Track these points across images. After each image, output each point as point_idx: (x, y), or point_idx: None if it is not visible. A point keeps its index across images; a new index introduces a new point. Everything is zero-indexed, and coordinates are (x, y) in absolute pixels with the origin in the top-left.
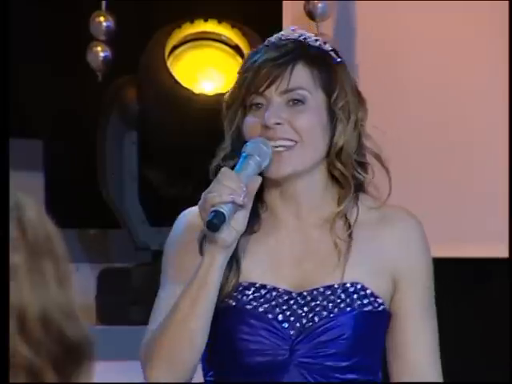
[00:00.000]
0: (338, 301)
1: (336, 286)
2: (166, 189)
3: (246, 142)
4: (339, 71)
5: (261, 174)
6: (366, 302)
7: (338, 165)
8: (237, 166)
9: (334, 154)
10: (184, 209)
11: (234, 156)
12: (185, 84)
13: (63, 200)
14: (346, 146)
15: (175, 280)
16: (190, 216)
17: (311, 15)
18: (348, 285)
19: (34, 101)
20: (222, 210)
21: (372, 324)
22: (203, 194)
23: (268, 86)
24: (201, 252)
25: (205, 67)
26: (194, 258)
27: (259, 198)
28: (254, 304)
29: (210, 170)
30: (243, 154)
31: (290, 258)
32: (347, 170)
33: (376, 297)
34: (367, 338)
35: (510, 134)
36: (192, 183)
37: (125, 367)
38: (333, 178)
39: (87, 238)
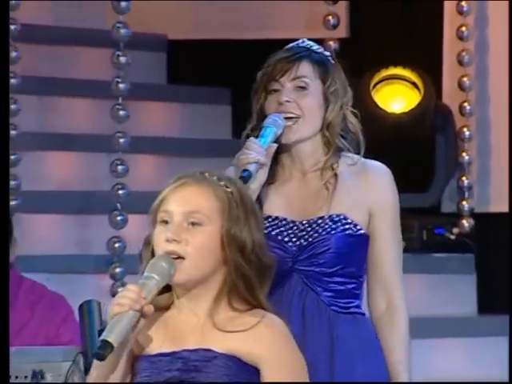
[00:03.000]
0: (326, 226)
1: (326, 217)
2: None
3: (267, 116)
4: (332, 68)
5: (277, 141)
6: (347, 227)
7: (327, 134)
8: (260, 136)
9: (325, 126)
10: None
11: (258, 127)
12: (382, 106)
13: None
14: (333, 121)
15: None
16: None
17: (462, 63)
18: (334, 216)
19: None
20: (249, 168)
21: (351, 243)
22: (236, 155)
23: (282, 75)
24: None
25: (394, 96)
26: None
27: (275, 159)
28: (270, 229)
29: (241, 137)
30: (265, 126)
31: (296, 198)
32: (332, 138)
33: (355, 224)
34: (347, 252)
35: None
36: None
37: None
38: (324, 143)
39: None
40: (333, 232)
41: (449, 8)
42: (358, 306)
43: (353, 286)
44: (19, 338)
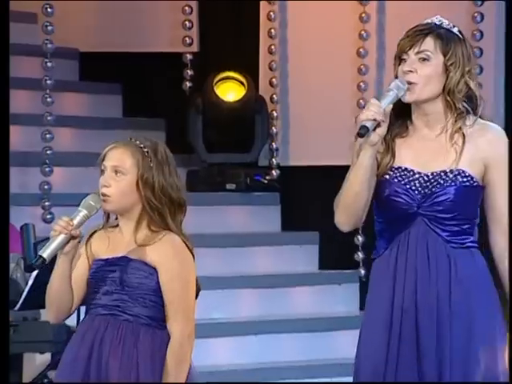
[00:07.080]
0: (447, 179)
1: (447, 171)
2: (213, 137)
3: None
4: (455, 42)
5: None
6: (465, 180)
7: (448, 98)
8: (381, 97)
9: (446, 92)
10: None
11: (391, 90)
12: (221, 96)
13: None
14: (452, 88)
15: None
16: None
17: (271, 69)
18: (454, 170)
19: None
20: (365, 124)
21: (468, 193)
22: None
23: (410, 48)
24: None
25: (229, 90)
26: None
27: (409, 116)
28: (399, 179)
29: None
30: (388, 89)
31: (422, 152)
32: (454, 102)
33: (472, 177)
34: (464, 201)
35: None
36: (223, 137)
37: None
38: (448, 106)
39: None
40: (452, 184)
41: (263, 31)
42: (473, 242)
43: (467, 226)
44: None
